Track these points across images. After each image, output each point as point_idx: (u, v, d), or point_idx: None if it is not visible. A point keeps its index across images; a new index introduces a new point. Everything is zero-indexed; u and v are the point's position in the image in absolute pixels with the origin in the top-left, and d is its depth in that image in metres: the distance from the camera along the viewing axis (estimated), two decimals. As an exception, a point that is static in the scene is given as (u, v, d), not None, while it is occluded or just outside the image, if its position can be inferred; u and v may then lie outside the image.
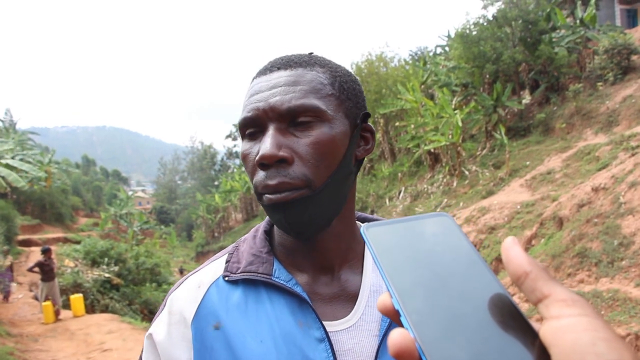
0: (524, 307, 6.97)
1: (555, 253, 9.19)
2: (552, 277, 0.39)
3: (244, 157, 0.87)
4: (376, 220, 1.04)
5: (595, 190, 10.16)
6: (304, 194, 0.81)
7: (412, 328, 0.38)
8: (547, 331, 0.35)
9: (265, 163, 0.80)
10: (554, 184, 14.23)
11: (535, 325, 0.39)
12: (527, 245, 11.05)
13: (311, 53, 0.93)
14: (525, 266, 0.39)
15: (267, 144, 0.80)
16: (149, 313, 16.49)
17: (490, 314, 0.39)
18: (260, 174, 0.82)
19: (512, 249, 0.40)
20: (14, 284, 13.91)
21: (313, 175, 0.82)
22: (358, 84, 0.94)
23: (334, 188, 0.86)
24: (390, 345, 0.38)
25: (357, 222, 1.00)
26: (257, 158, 0.80)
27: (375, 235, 0.47)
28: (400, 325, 0.40)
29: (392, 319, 0.42)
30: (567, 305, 0.36)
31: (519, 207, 13.52)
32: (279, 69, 0.87)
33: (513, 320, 0.38)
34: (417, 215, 0.49)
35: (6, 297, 13.93)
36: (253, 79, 0.90)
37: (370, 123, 0.94)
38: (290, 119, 0.83)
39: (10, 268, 14.15)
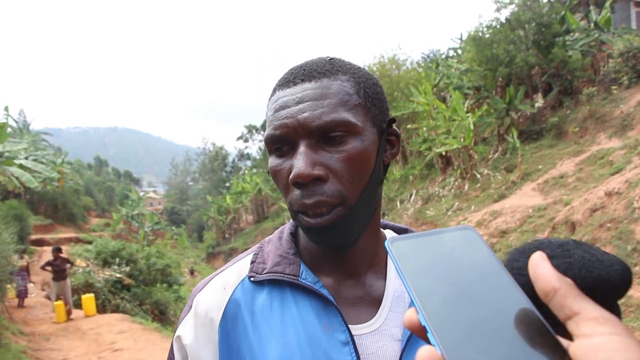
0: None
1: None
2: (581, 293, 0.38)
3: (275, 172, 0.85)
4: (397, 227, 1.05)
5: (609, 194, 10.06)
6: (341, 212, 0.81)
7: (439, 345, 0.37)
8: (577, 349, 0.35)
9: (300, 182, 0.79)
10: (566, 188, 14.11)
11: (564, 342, 0.38)
12: (539, 250, 10.96)
13: (332, 58, 0.91)
14: (554, 282, 0.38)
15: (300, 163, 0.79)
16: (159, 313, 16.55)
17: (518, 329, 0.38)
18: (296, 192, 0.81)
19: (540, 264, 0.40)
20: (30, 285, 13.97)
21: (348, 192, 0.81)
22: (380, 86, 0.92)
23: (367, 200, 0.86)
24: None
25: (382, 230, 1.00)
26: (291, 177, 0.79)
27: (399, 249, 0.47)
28: (426, 340, 0.40)
29: (419, 335, 0.41)
30: (598, 324, 0.35)
31: (530, 211, 13.42)
32: (302, 80, 0.84)
33: (541, 336, 0.38)
34: (442, 229, 0.49)
35: (22, 298, 13.99)
36: (275, 91, 0.88)
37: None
38: (321, 135, 0.81)
39: (26, 268, 14.20)
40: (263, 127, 64.58)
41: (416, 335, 0.42)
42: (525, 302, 0.40)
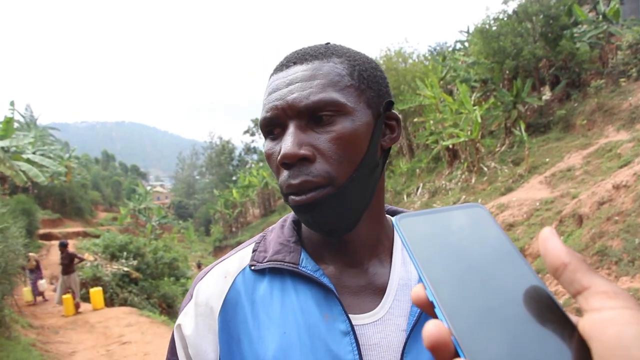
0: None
1: (574, 251, 9.08)
2: (591, 268, 0.37)
3: (268, 156, 0.86)
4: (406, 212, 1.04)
5: (617, 187, 10.01)
6: (328, 192, 0.80)
7: (447, 320, 0.37)
8: (587, 324, 0.34)
9: (287, 162, 0.79)
10: (574, 181, 14.05)
11: (573, 318, 0.37)
12: (547, 243, 10.94)
13: (328, 43, 0.91)
14: (564, 257, 0.37)
15: (287, 143, 0.79)
16: (167, 307, 16.63)
17: (526, 306, 0.38)
18: (284, 174, 0.81)
19: (550, 239, 0.39)
20: (42, 282, 14.00)
21: (336, 172, 0.80)
22: (379, 71, 0.90)
23: (359, 183, 0.84)
24: (426, 337, 0.37)
25: (386, 215, 0.98)
26: (279, 158, 0.79)
27: (407, 225, 0.46)
28: (434, 316, 0.39)
29: (426, 310, 0.41)
30: (608, 298, 0.34)
31: (538, 204, 13.38)
32: (294, 63, 0.85)
33: (550, 312, 0.37)
34: (450, 206, 0.48)
35: (41, 295, 14.08)
36: (270, 76, 0.88)
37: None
38: (309, 115, 0.81)
39: (38, 267, 14.27)
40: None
41: (424, 311, 0.42)
42: (535, 279, 0.40)
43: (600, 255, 8.49)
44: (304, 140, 0.80)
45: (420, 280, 0.41)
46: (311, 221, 0.83)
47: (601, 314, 0.33)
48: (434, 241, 0.44)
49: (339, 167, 0.80)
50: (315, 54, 0.86)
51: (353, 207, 0.84)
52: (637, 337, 0.31)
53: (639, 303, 0.34)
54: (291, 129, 0.80)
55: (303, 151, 0.79)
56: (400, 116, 0.92)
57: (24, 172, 22.17)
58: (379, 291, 0.88)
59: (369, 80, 0.86)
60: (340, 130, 0.80)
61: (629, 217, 8.69)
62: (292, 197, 0.81)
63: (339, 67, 0.84)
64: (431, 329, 0.37)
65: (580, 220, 10.35)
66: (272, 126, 0.84)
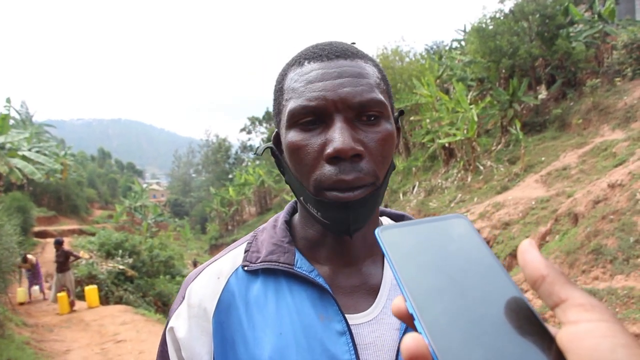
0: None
1: (569, 250, 9.10)
2: (570, 280, 0.38)
3: (298, 148, 0.81)
4: (393, 214, 1.04)
5: (612, 186, 10.03)
6: (372, 190, 0.80)
7: (426, 333, 0.37)
8: (564, 336, 0.34)
9: (341, 157, 0.76)
10: (569, 180, 14.09)
11: (552, 329, 0.38)
12: (542, 242, 10.97)
13: (354, 43, 0.91)
14: (542, 269, 0.38)
15: (342, 137, 0.76)
16: (162, 305, 16.60)
17: (507, 318, 0.38)
18: (329, 168, 0.78)
19: (528, 252, 0.40)
20: (35, 288, 13.94)
21: (380, 171, 0.82)
22: None
23: (386, 184, 0.87)
24: (404, 350, 0.37)
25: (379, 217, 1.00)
26: (330, 151, 0.76)
27: (389, 238, 0.46)
28: (415, 329, 0.39)
29: (407, 323, 0.41)
30: (585, 310, 0.35)
31: (533, 202, 13.41)
32: (338, 57, 0.83)
33: (530, 324, 0.38)
34: (433, 217, 0.48)
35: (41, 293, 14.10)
36: (302, 64, 0.85)
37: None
38: (358, 112, 0.80)
39: (36, 268, 14.23)
40: (266, 118, 64.48)
41: (404, 323, 0.42)
42: (514, 291, 0.40)
43: (595, 254, 8.51)
44: (355, 137, 0.79)
45: (401, 292, 0.42)
46: (350, 220, 0.80)
47: (578, 326, 0.34)
48: (414, 253, 0.44)
49: (381, 168, 0.82)
50: (355, 52, 0.86)
51: (378, 205, 0.86)
52: (613, 350, 0.32)
53: (615, 315, 0.35)
54: (340, 123, 0.78)
55: (358, 147, 0.78)
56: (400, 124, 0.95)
57: (19, 169, 22.11)
58: (373, 291, 0.88)
59: (389, 89, 0.89)
60: (385, 131, 0.82)
61: (624, 216, 8.71)
62: (337, 193, 0.78)
63: (375, 71, 0.86)
64: (409, 342, 0.37)
65: (576, 219, 10.37)
66: (312, 115, 0.80)
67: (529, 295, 6.77)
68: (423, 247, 0.45)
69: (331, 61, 0.82)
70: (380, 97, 0.81)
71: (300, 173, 0.83)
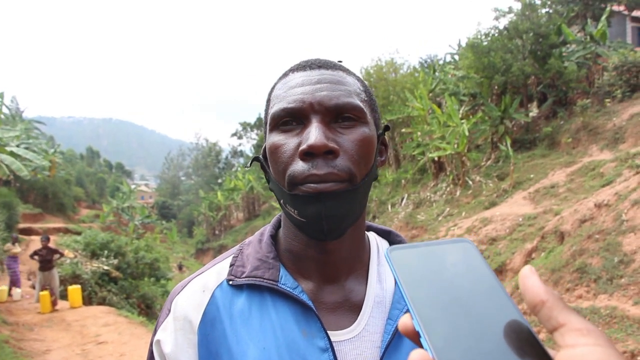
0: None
1: (555, 267, 9.16)
2: (568, 306, 0.40)
3: (276, 148, 0.84)
4: (380, 229, 1.05)
5: (598, 206, 10.13)
6: (347, 187, 0.81)
7: (431, 350, 0.39)
8: (562, 359, 0.36)
9: (314, 153, 0.79)
10: (557, 198, 14.19)
11: (551, 352, 0.39)
12: (527, 259, 11.03)
13: (340, 61, 0.95)
14: (542, 295, 0.40)
15: (316, 134, 0.79)
16: (146, 307, 16.48)
17: (508, 339, 0.40)
18: (301, 164, 0.80)
19: (529, 277, 0.41)
20: (18, 291, 13.75)
21: (356, 171, 0.82)
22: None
23: (366, 188, 0.87)
24: None
25: (366, 232, 0.99)
26: (304, 147, 0.79)
27: (398, 257, 0.48)
28: (419, 344, 0.41)
29: (412, 339, 0.43)
30: (582, 335, 0.37)
31: (520, 219, 13.49)
32: (319, 67, 0.89)
33: (530, 346, 0.39)
34: (440, 240, 0.51)
35: (16, 286, 13.91)
36: (287, 74, 0.91)
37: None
38: (334, 115, 0.83)
39: (15, 256, 14.06)
40: (257, 124, 64.43)
41: (410, 339, 0.44)
42: (516, 314, 0.42)
43: (579, 273, 8.58)
44: (329, 136, 0.81)
45: (407, 309, 0.44)
46: (322, 213, 0.80)
47: (575, 350, 0.36)
48: (422, 273, 0.47)
49: (358, 167, 0.83)
50: (337, 65, 0.91)
51: (356, 209, 0.86)
52: None
53: (610, 340, 0.37)
54: (316, 123, 0.81)
55: (332, 144, 0.80)
56: (387, 139, 0.98)
57: (6, 165, 21.91)
58: (356, 308, 0.89)
59: (373, 103, 0.94)
60: (361, 133, 0.84)
61: (609, 236, 8.79)
62: (311, 185, 0.79)
63: (357, 83, 0.91)
64: (416, 358, 0.39)
65: (562, 237, 10.45)
66: (291, 118, 0.84)
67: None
68: (430, 268, 0.47)
69: (313, 70, 0.88)
70: (358, 102, 0.85)
71: (277, 172, 0.86)
